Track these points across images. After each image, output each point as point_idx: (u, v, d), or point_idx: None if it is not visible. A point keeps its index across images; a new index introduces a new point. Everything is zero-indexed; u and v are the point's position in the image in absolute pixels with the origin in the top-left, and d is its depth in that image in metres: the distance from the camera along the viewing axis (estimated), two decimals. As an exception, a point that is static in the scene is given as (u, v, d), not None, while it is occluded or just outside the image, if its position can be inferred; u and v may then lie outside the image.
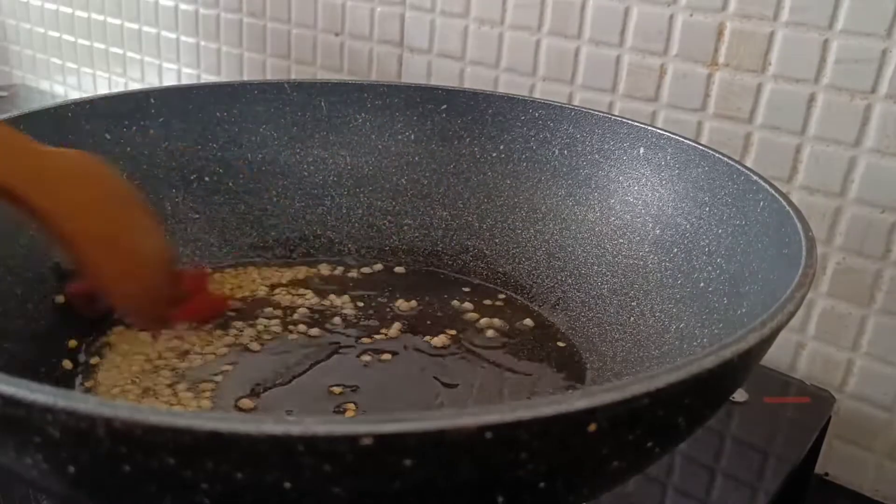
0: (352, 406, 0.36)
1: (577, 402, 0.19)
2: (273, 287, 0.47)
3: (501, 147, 0.50)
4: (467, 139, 0.51)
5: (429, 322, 0.44)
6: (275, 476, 0.19)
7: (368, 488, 0.19)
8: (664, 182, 0.43)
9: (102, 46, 0.90)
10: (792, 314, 0.25)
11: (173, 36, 0.82)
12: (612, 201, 0.45)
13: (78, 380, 0.38)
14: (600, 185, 0.46)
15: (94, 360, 0.39)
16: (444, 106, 0.51)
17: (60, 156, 0.27)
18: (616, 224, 0.45)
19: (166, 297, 0.33)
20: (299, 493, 0.19)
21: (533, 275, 0.48)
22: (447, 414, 0.18)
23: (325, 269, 0.50)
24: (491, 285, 0.49)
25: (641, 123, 0.45)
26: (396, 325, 0.43)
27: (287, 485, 0.19)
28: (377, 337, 0.42)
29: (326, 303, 0.46)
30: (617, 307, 0.43)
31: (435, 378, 0.39)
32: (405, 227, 0.52)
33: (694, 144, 0.42)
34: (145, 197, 0.47)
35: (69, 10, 0.92)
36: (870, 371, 0.48)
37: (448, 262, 0.51)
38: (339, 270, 0.50)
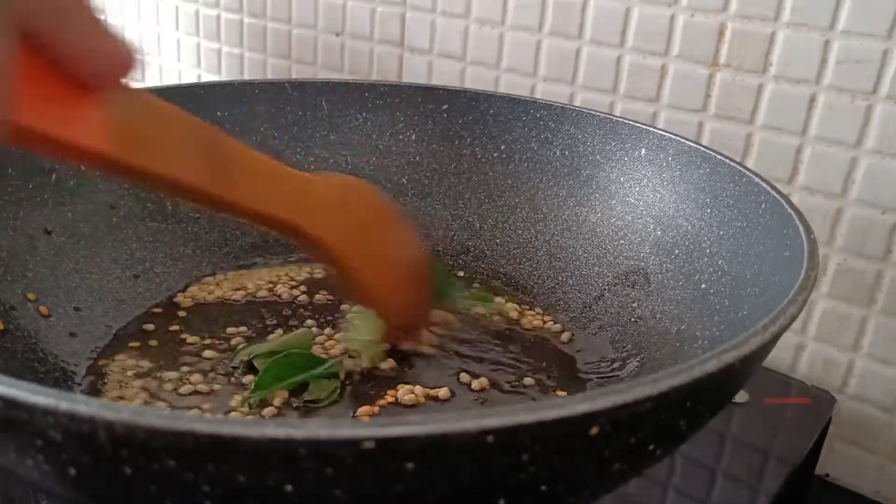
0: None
1: (578, 405, 0.19)
2: (273, 287, 0.47)
3: (502, 147, 0.50)
4: (468, 139, 0.51)
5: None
6: (276, 479, 0.19)
7: (370, 491, 0.19)
8: (665, 183, 0.43)
9: (103, 45, 0.90)
10: (794, 317, 0.25)
11: (174, 35, 0.82)
12: (614, 202, 0.45)
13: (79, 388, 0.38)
14: (601, 186, 0.46)
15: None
16: (445, 106, 0.51)
17: (324, 183, 0.27)
18: (617, 225, 0.45)
19: (423, 305, 0.34)
20: (300, 496, 0.19)
21: (534, 275, 0.48)
22: (449, 418, 0.18)
23: (325, 269, 0.50)
24: (491, 286, 0.49)
25: (643, 124, 0.45)
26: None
27: (288, 488, 0.19)
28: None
29: (326, 302, 0.45)
30: (618, 308, 0.43)
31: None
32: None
33: (695, 146, 0.42)
34: (146, 197, 0.47)
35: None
36: (870, 372, 0.48)
37: (449, 262, 0.50)
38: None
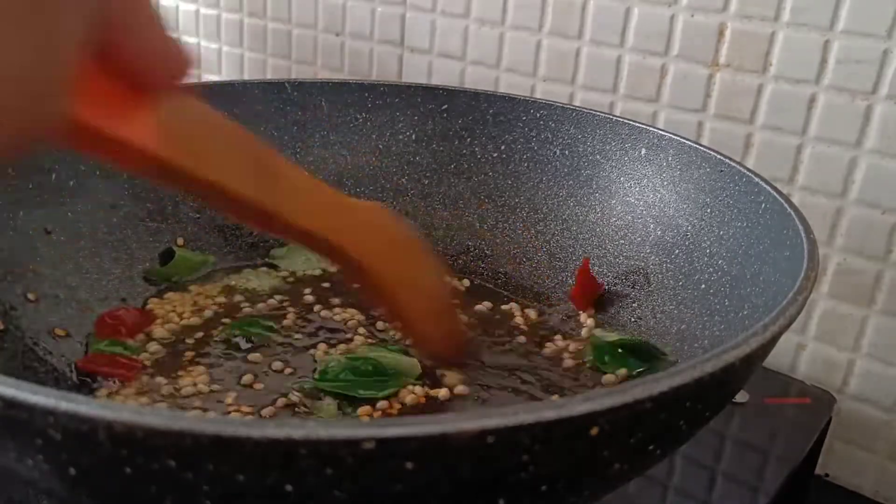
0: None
1: (578, 405, 0.19)
2: (273, 287, 0.47)
3: (502, 147, 0.50)
4: (468, 139, 0.51)
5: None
6: (276, 479, 0.19)
7: (370, 491, 0.19)
8: (665, 183, 0.43)
9: (103, 45, 0.90)
10: (794, 318, 0.25)
11: (174, 36, 0.82)
12: (614, 202, 0.45)
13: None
14: (601, 186, 0.46)
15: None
16: (445, 106, 0.51)
17: (361, 207, 0.27)
18: (617, 225, 0.45)
19: (456, 335, 0.34)
20: (300, 495, 0.19)
21: (534, 275, 0.48)
22: (449, 418, 0.18)
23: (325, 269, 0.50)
24: (491, 286, 0.49)
25: (643, 124, 0.45)
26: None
27: (288, 487, 0.19)
28: (377, 337, 0.42)
29: (326, 302, 0.45)
30: (617, 308, 0.43)
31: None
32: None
33: (695, 145, 0.42)
34: (146, 197, 0.47)
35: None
36: (870, 372, 0.48)
37: (449, 263, 0.50)
38: (339, 270, 0.50)
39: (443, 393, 0.37)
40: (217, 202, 0.22)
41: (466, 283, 0.49)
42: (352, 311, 0.45)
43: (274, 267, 0.49)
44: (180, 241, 0.48)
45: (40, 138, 0.16)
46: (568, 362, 0.40)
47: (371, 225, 0.27)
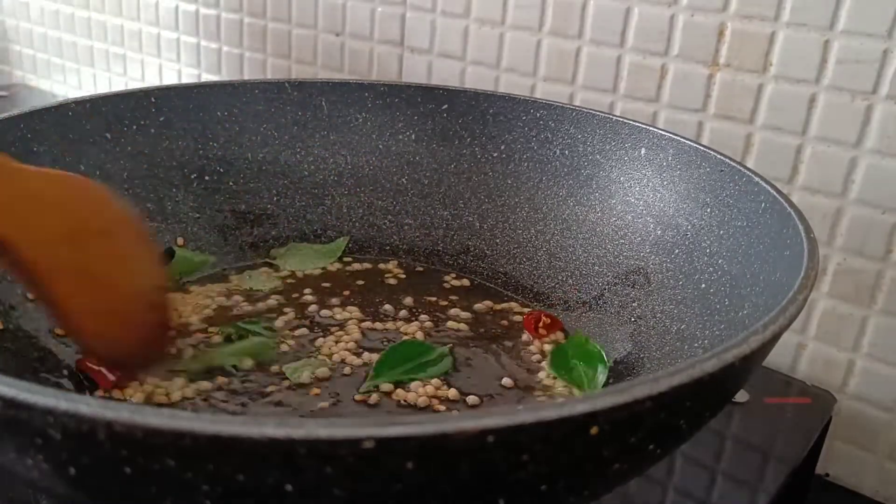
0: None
1: (578, 405, 0.19)
2: (273, 287, 0.47)
3: (502, 147, 0.50)
4: (468, 139, 0.51)
5: (427, 321, 0.44)
6: (276, 478, 0.19)
7: (369, 491, 0.19)
8: (665, 183, 0.43)
9: (103, 46, 0.90)
10: (794, 317, 0.25)
11: (174, 35, 0.82)
12: (614, 202, 0.45)
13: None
14: (601, 186, 0.46)
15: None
16: (445, 106, 0.51)
17: (40, 177, 0.24)
18: (617, 225, 0.45)
19: (149, 338, 0.30)
20: (300, 495, 0.19)
21: (534, 275, 0.48)
22: (449, 417, 0.18)
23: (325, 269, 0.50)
24: (491, 285, 0.49)
25: (643, 124, 0.45)
26: (398, 324, 0.43)
27: (288, 487, 0.19)
28: (377, 336, 0.42)
29: (326, 302, 0.45)
30: (618, 308, 0.43)
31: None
32: (406, 227, 0.52)
33: (695, 145, 0.42)
34: (146, 196, 0.47)
35: (69, 10, 0.92)
36: (871, 372, 0.48)
37: (449, 262, 0.51)
38: (339, 270, 0.50)
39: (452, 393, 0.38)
40: None
41: (466, 282, 0.49)
42: (352, 309, 0.45)
43: (274, 267, 0.49)
44: (180, 240, 0.48)
45: None
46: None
47: (42, 199, 0.23)
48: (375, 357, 0.40)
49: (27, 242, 0.22)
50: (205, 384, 0.37)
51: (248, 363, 0.39)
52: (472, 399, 0.38)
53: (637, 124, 0.45)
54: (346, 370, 0.39)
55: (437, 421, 0.18)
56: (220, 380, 0.38)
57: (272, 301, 0.45)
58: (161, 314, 0.26)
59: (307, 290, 0.47)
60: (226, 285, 0.47)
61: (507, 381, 0.39)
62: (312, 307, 0.45)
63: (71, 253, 0.24)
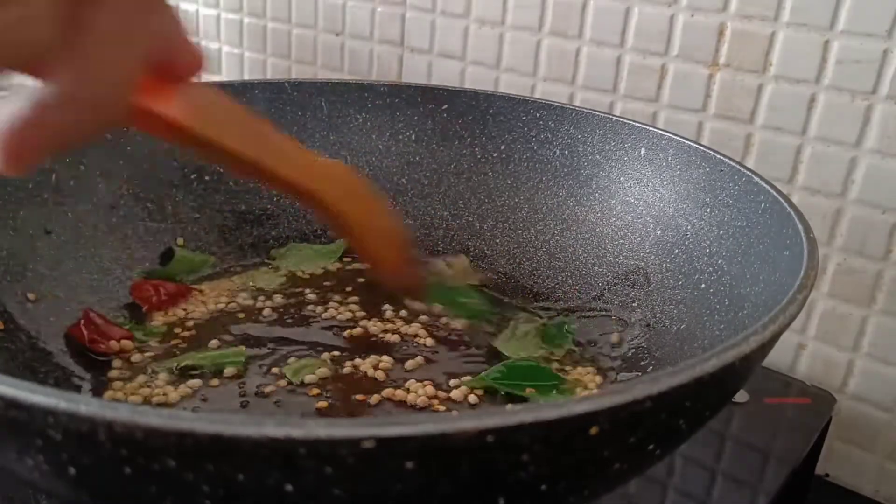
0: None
1: (578, 405, 0.19)
2: (272, 287, 0.47)
3: (502, 147, 0.50)
4: (468, 139, 0.51)
5: (427, 321, 0.44)
6: (276, 478, 0.19)
7: (369, 491, 0.19)
8: (665, 183, 0.43)
9: (103, 45, 0.90)
10: (793, 317, 0.25)
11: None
12: (613, 202, 0.45)
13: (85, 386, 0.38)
14: (601, 186, 0.46)
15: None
16: (445, 106, 0.51)
17: (331, 164, 0.34)
18: (617, 225, 0.45)
19: (413, 271, 0.39)
20: (300, 495, 0.19)
21: (534, 275, 0.48)
22: (449, 417, 0.18)
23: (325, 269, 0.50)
24: (491, 285, 0.49)
25: (643, 124, 0.45)
26: (399, 324, 0.43)
27: (288, 487, 0.19)
28: (377, 336, 0.42)
29: (326, 302, 0.45)
30: (618, 308, 0.43)
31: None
32: (406, 227, 0.52)
33: (695, 145, 0.42)
34: (146, 196, 0.47)
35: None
36: (870, 372, 0.48)
37: (448, 262, 0.50)
38: (339, 269, 0.50)
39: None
40: (226, 161, 0.29)
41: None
42: (353, 307, 0.45)
43: (274, 267, 0.49)
44: (180, 241, 0.48)
45: (113, 123, 0.24)
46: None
47: (339, 177, 0.33)
48: (375, 357, 0.40)
49: (343, 208, 0.32)
50: (204, 384, 0.37)
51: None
52: (472, 398, 0.38)
53: (637, 124, 0.45)
54: (347, 370, 0.39)
55: (437, 421, 0.18)
56: (220, 380, 0.38)
57: (272, 301, 0.45)
58: (408, 251, 0.37)
59: (308, 290, 0.47)
60: (228, 285, 0.47)
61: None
62: (316, 306, 0.45)
63: (363, 211, 0.34)
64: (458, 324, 0.44)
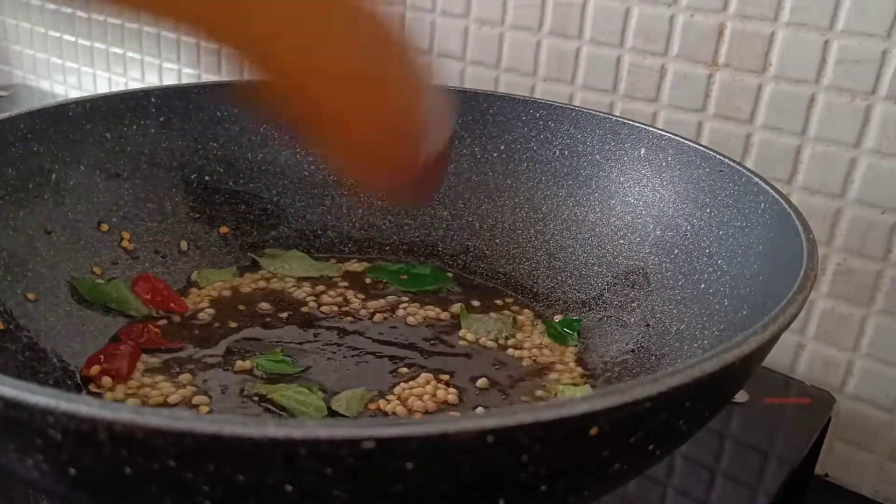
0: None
1: (578, 405, 0.19)
2: (273, 287, 0.47)
3: (502, 147, 0.50)
4: (468, 139, 0.51)
5: (426, 320, 0.44)
6: (276, 479, 0.19)
7: (369, 491, 0.19)
8: (665, 183, 0.43)
9: (103, 46, 0.90)
10: (793, 317, 0.25)
11: (174, 35, 0.82)
12: (613, 202, 0.45)
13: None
14: (601, 186, 0.46)
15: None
16: (445, 106, 0.51)
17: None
18: (617, 225, 0.45)
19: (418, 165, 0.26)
20: (300, 495, 0.19)
21: (533, 275, 0.48)
22: (449, 417, 0.18)
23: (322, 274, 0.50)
24: (491, 285, 0.49)
25: (642, 124, 0.45)
26: (398, 324, 0.44)
27: (288, 487, 0.19)
28: (378, 336, 0.42)
29: (325, 300, 0.46)
30: (617, 308, 0.43)
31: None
32: (405, 227, 0.52)
33: (695, 145, 0.42)
34: (146, 196, 0.47)
35: (69, 10, 0.92)
36: (870, 372, 0.48)
37: (448, 262, 0.51)
38: (338, 269, 0.50)
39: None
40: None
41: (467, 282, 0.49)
42: (353, 307, 0.45)
43: (270, 269, 0.49)
44: (183, 244, 0.48)
45: None
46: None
47: (298, 5, 0.21)
48: (374, 358, 0.40)
49: (281, 49, 0.22)
50: (203, 385, 0.37)
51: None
52: (472, 397, 0.38)
53: (637, 124, 0.45)
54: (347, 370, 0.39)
55: (437, 421, 0.18)
56: (219, 380, 0.38)
57: (271, 302, 0.45)
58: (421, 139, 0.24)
59: (307, 289, 0.47)
60: (223, 285, 0.47)
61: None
62: (312, 307, 0.45)
63: (331, 58, 0.22)
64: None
